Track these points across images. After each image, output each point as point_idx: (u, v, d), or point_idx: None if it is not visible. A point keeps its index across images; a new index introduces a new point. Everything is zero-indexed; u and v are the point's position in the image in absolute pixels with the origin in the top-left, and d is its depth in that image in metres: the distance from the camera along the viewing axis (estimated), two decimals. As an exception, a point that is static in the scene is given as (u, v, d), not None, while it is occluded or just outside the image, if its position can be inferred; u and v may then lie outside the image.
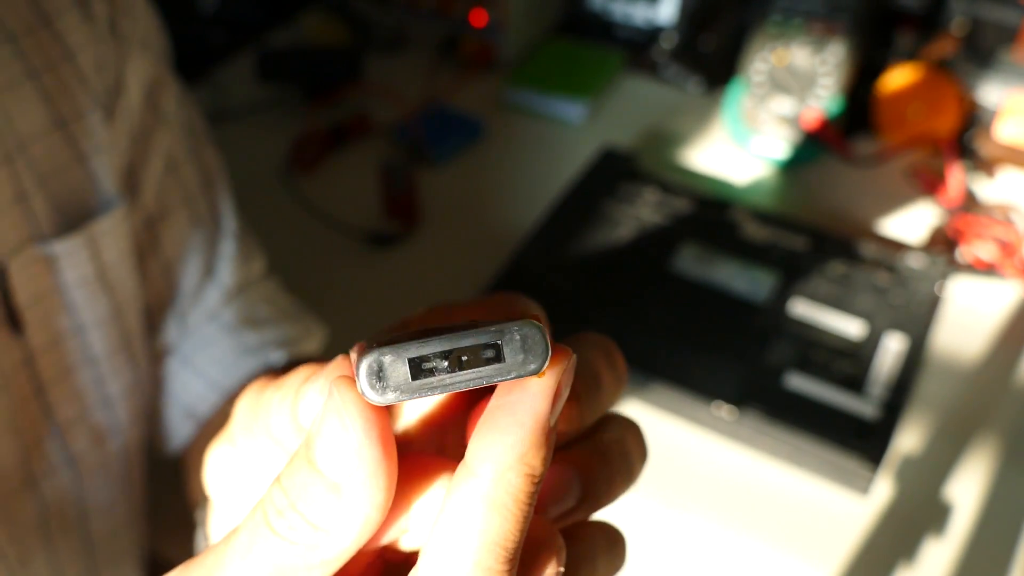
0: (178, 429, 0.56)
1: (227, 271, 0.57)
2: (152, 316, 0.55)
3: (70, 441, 0.48)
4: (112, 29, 0.47)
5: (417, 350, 0.19)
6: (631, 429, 0.28)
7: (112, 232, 0.47)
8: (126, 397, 0.51)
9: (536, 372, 0.20)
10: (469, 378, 0.19)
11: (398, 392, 0.19)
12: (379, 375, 0.19)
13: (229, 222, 0.58)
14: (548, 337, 0.20)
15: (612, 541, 0.27)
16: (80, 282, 0.46)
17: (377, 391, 0.19)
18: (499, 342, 0.19)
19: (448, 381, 0.19)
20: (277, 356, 0.57)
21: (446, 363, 0.19)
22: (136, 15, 0.49)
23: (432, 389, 0.19)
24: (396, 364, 0.19)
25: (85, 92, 0.45)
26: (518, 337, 0.19)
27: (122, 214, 0.47)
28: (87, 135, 0.45)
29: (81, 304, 0.46)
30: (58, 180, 0.44)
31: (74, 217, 0.45)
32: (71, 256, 0.45)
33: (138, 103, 0.50)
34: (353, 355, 0.20)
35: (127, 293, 0.49)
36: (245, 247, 0.59)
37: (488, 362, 0.19)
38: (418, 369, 0.19)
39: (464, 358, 0.19)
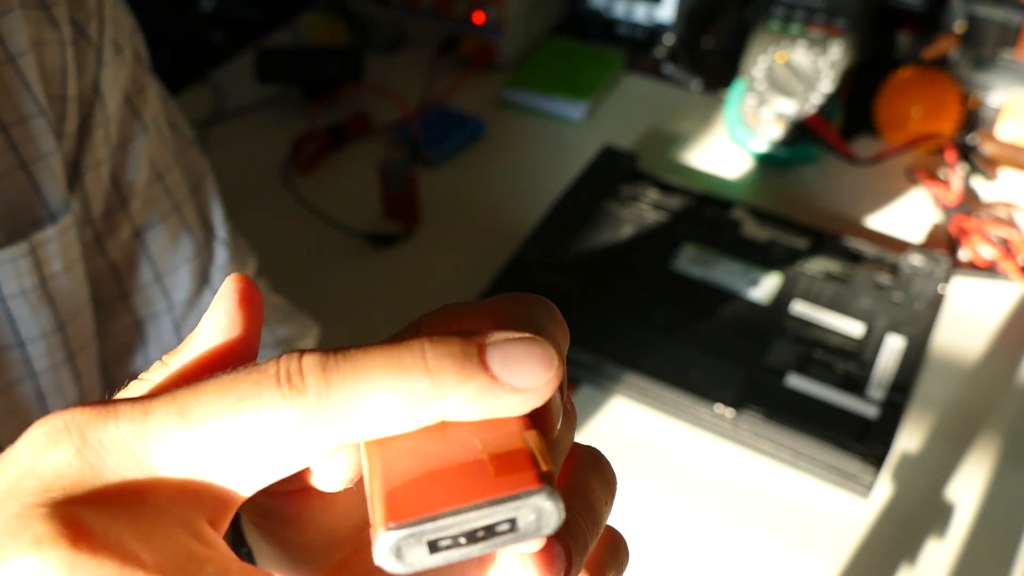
0: None
1: (222, 279, 0.57)
2: (144, 326, 0.54)
3: None
4: (81, 34, 0.45)
5: (435, 533, 0.20)
6: (595, 469, 0.26)
7: (57, 242, 0.45)
8: None
9: (549, 535, 0.21)
10: (484, 547, 0.21)
11: (414, 566, 0.20)
12: (398, 554, 0.20)
13: (220, 228, 0.57)
14: (563, 504, 0.21)
15: (615, 544, 0.27)
16: (20, 294, 0.44)
17: (395, 564, 0.20)
18: (515, 517, 0.20)
19: (465, 552, 0.21)
20: (272, 354, 0.57)
21: (463, 539, 0.20)
22: (105, 17, 0.47)
23: (448, 559, 0.21)
24: (415, 546, 0.20)
25: (28, 97, 0.43)
26: (533, 516, 0.21)
27: (68, 223, 0.45)
28: (29, 141, 0.43)
29: (21, 317, 0.44)
30: None
31: (14, 226, 0.43)
32: (9, 267, 0.43)
33: (117, 110, 0.49)
34: (373, 515, 0.21)
35: (73, 305, 0.47)
36: (238, 253, 0.58)
37: (502, 533, 0.21)
38: (435, 546, 0.20)
39: (480, 533, 0.20)
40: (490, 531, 0.20)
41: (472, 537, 0.20)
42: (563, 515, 0.21)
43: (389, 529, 0.20)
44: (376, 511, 0.20)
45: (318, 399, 0.20)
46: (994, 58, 0.92)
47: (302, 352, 0.21)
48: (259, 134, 0.98)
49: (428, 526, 0.20)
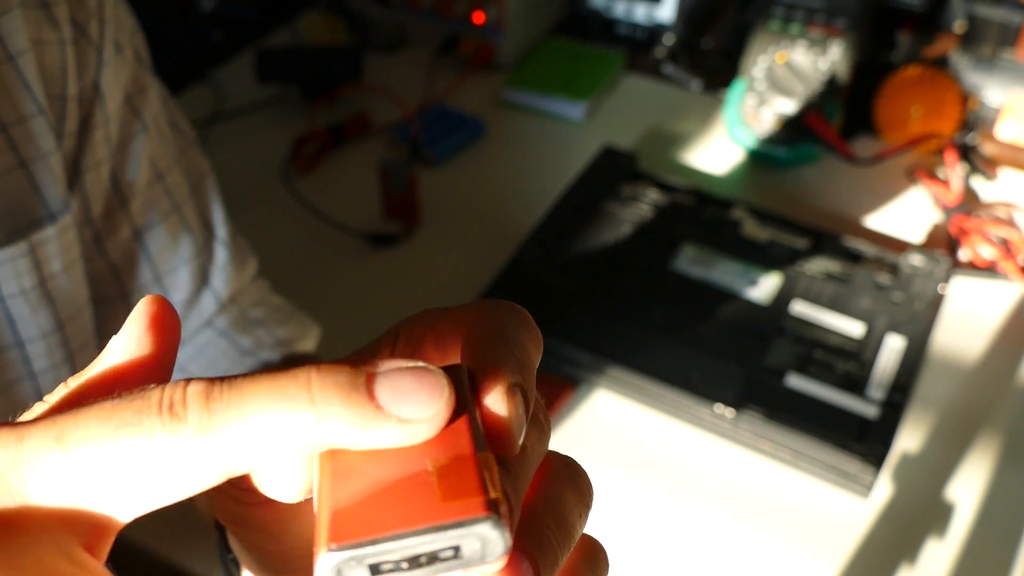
0: None
1: (221, 280, 0.57)
2: None
3: None
4: (81, 33, 0.45)
5: (376, 557, 0.20)
6: (568, 480, 0.25)
7: (57, 242, 0.45)
8: None
9: (495, 562, 0.21)
10: (427, 572, 0.20)
11: None
12: (338, 571, 0.20)
13: (220, 229, 0.57)
14: (508, 533, 0.20)
15: (593, 553, 0.26)
16: (19, 294, 0.44)
17: None
18: (459, 545, 0.20)
19: (410, 569, 0.20)
20: (271, 355, 0.57)
21: (406, 564, 0.20)
22: (106, 17, 0.47)
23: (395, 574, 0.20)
24: (356, 568, 0.20)
25: (28, 96, 0.43)
26: (477, 544, 0.20)
27: (68, 223, 0.45)
28: (29, 140, 0.43)
29: (20, 316, 0.44)
30: None
31: (14, 225, 0.43)
32: (8, 267, 0.43)
33: (117, 110, 0.49)
34: (317, 534, 0.21)
35: (73, 305, 0.47)
36: (238, 254, 0.58)
37: (446, 559, 0.20)
38: (377, 570, 0.20)
39: (423, 559, 0.20)
40: (433, 557, 0.20)
41: (415, 562, 0.20)
42: (509, 544, 0.20)
43: (330, 551, 0.20)
44: (320, 531, 0.20)
45: (199, 428, 0.19)
46: (994, 58, 0.92)
47: (188, 380, 0.20)
48: (259, 134, 0.98)
49: (369, 550, 0.20)
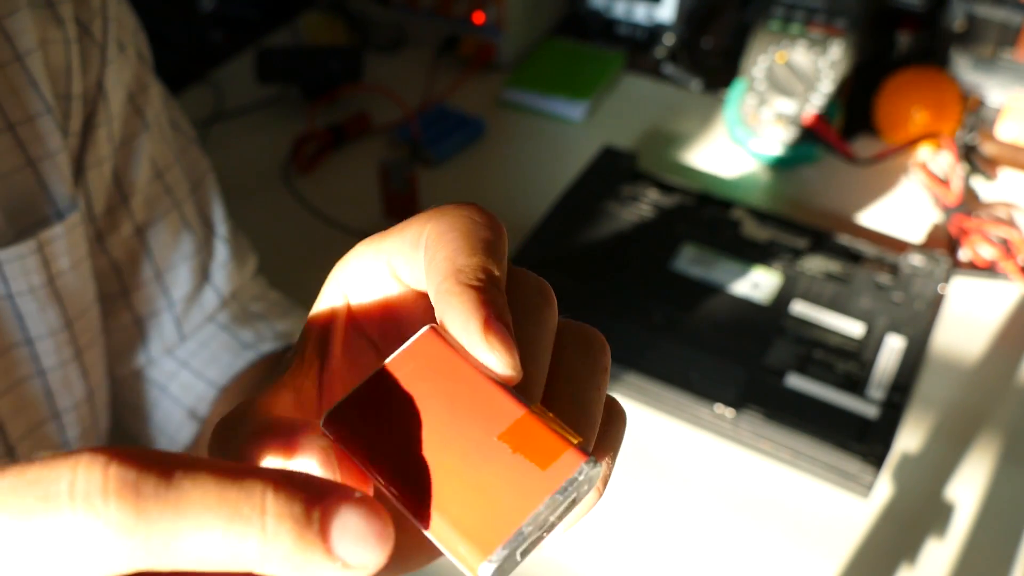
0: (181, 431, 0.56)
1: (222, 277, 0.57)
2: (144, 323, 0.54)
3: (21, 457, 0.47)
4: (85, 32, 0.46)
5: (523, 543, 0.21)
6: (580, 353, 0.25)
7: (65, 240, 0.45)
8: (76, 410, 0.49)
9: (595, 486, 0.23)
10: (555, 526, 0.22)
11: (507, 572, 0.22)
12: (500, 571, 0.21)
13: (221, 226, 0.57)
14: (601, 463, 0.23)
15: (611, 415, 0.26)
16: (27, 291, 0.44)
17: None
18: (575, 495, 0.22)
19: (543, 540, 0.22)
20: (273, 346, 0.57)
21: (544, 532, 0.22)
22: (109, 16, 0.48)
23: (534, 547, 0.22)
24: (509, 560, 0.21)
25: (35, 95, 0.43)
26: (586, 485, 0.22)
27: (76, 221, 0.45)
28: (37, 139, 0.43)
29: (29, 314, 0.44)
30: (4, 185, 0.42)
31: (22, 224, 0.43)
32: (16, 264, 0.43)
33: (120, 108, 0.49)
34: (458, 552, 0.22)
35: (80, 302, 0.47)
36: (239, 251, 0.59)
37: (567, 509, 0.22)
38: (525, 552, 0.22)
39: (552, 520, 0.22)
40: (560, 515, 0.22)
41: (549, 527, 0.22)
42: (602, 469, 0.23)
43: (489, 561, 0.21)
44: (458, 546, 0.21)
45: (121, 528, 0.17)
46: (994, 58, 0.92)
47: (109, 458, 0.18)
48: (259, 134, 0.98)
49: (516, 542, 0.21)
